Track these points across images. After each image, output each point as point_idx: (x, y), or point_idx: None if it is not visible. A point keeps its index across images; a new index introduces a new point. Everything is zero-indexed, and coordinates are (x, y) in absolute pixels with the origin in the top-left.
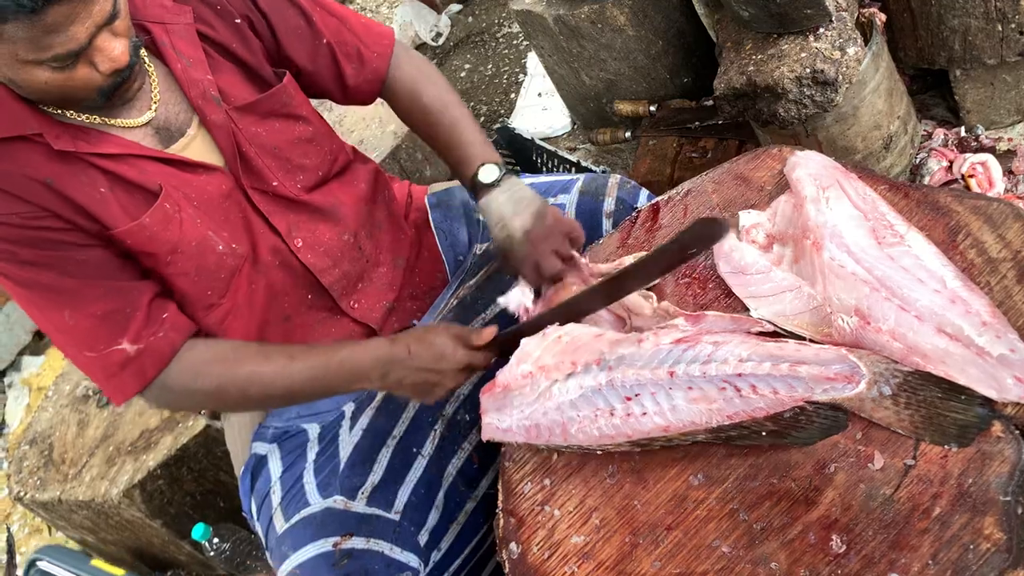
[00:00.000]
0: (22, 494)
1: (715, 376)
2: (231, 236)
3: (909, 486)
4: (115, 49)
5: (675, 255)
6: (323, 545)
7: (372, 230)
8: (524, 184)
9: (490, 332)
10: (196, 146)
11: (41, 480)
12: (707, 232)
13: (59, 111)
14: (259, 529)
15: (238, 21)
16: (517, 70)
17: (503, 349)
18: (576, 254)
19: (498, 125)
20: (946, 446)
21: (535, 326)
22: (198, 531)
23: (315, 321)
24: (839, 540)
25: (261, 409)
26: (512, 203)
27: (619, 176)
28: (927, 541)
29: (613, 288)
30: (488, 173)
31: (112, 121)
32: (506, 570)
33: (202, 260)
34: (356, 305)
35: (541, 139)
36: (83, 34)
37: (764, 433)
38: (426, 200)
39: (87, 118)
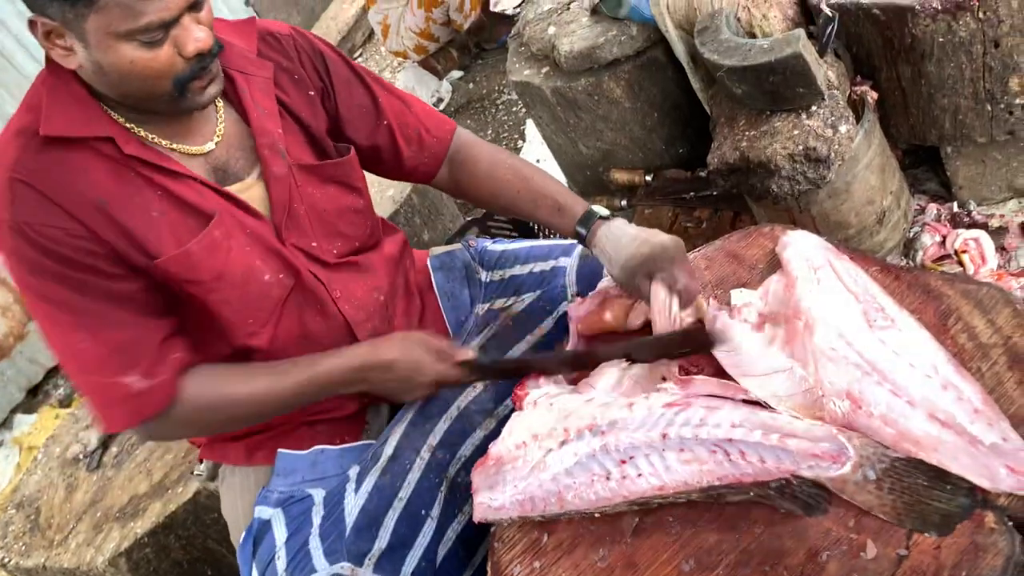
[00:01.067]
0: (6, 560)
1: (707, 439)
2: (279, 268)
3: None
4: (200, 32)
5: (674, 345)
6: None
7: (396, 294)
8: None
9: (468, 352)
10: (250, 194)
11: (26, 545)
12: (702, 339)
13: (129, 125)
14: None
15: (312, 93)
16: (516, 136)
17: (481, 374)
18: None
19: None
20: (927, 534)
21: (515, 366)
22: None
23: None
24: None
25: (252, 423)
26: (637, 227)
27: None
28: None
29: (594, 358)
30: (601, 210)
31: (174, 146)
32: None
33: (246, 288)
34: None
35: None
36: (175, 5)
37: (752, 493)
38: (428, 263)
39: (152, 138)
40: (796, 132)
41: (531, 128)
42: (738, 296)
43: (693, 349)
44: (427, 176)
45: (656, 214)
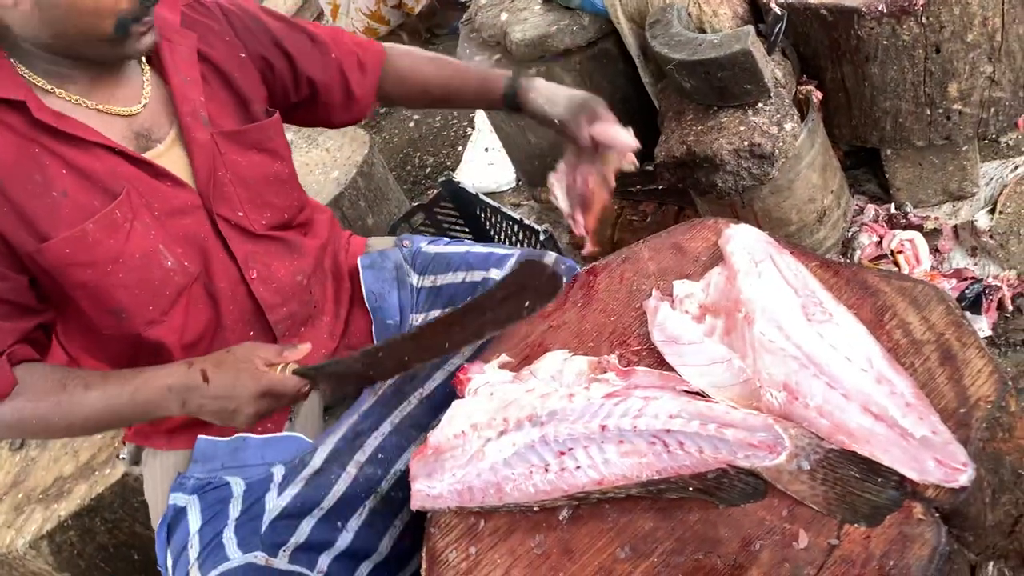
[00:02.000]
0: None
1: (644, 431)
2: (184, 253)
3: (832, 567)
4: None
5: (506, 302)
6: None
7: (323, 277)
8: None
9: (304, 350)
10: (169, 158)
11: None
12: (534, 277)
13: (50, 86)
14: None
15: (243, 55)
16: (465, 124)
17: (323, 380)
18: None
19: (442, 178)
20: (857, 525)
21: (356, 367)
22: None
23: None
24: None
25: (70, 436)
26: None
27: (555, 255)
28: None
29: (437, 341)
30: (524, 73)
31: (100, 106)
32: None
33: (146, 273)
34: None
35: (485, 194)
36: None
37: (691, 488)
38: (359, 261)
39: (76, 99)
40: (742, 128)
41: (481, 116)
42: (680, 287)
43: (536, 293)
44: (368, 105)
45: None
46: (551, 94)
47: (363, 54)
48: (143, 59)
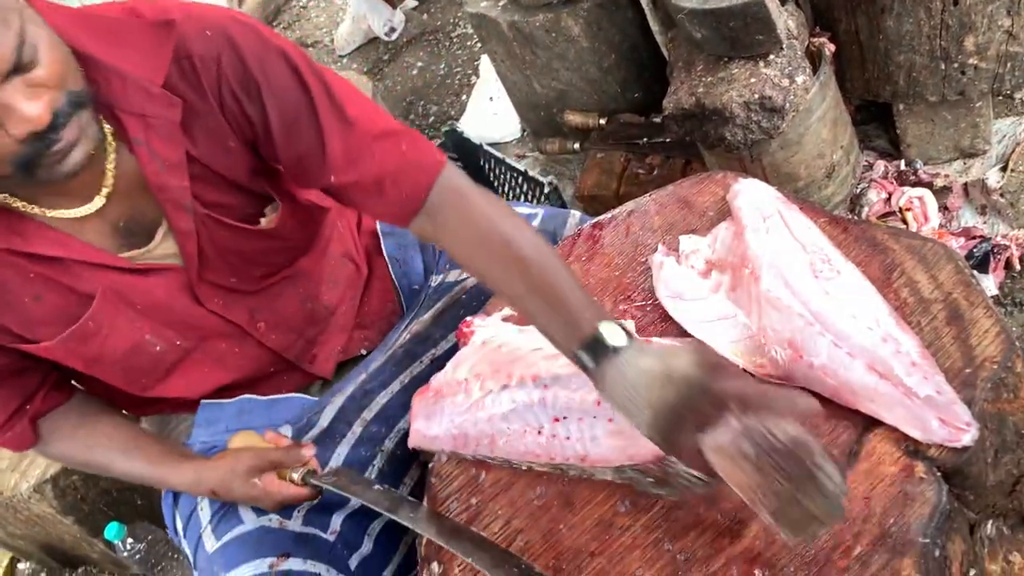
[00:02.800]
0: None
1: None
2: (176, 334)
3: None
4: (27, 107)
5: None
6: (259, 566)
7: (331, 277)
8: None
9: (307, 455)
10: (161, 250)
11: None
12: None
13: None
14: (186, 548)
15: (232, 144)
16: (470, 72)
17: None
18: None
19: (446, 127)
20: (781, 528)
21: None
22: (111, 530)
23: (265, 378)
24: (761, 575)
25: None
26: (652, 359)
27: (579, 214)
28: None
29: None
30: (615, 334)
31: (50, 213)
32: None
33: (132, 362)
34: (313, 361)
35: (489, 144)
36: None
37: (651, 480)
38: (378, 227)
39: (23, 206)
40: (753, 80)
41: (485, 64)
42: (686, 242)
43: None
44: (393, 223)
45: (608, 159)
46: (630, 395)
47: (392, 185)
48: (109, 137)
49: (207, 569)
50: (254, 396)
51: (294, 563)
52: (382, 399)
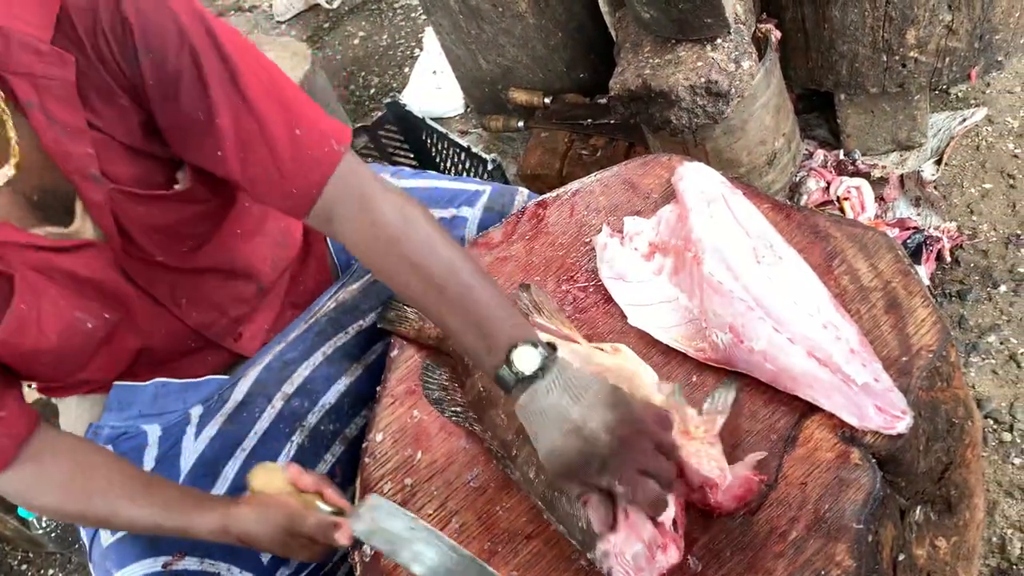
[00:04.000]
0: None
1: None
2: (103, 307)
3: (768, 508)
4: None
5: None
6: (151, 565)
7: (260, 253)
8: (567, 359)
9: (343, 537)
10: (82, 227)
11: None
12: None
13: None
14: (84, 537)
15: (123, 103)
16: (413, 44)
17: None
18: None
19: (388, 100)
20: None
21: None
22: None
23: (185, 355)
24: (695, 560)
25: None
26: (570, 394)
27: (527, 191)
28: (781, 565)
29: None
30: (526, 359)
31: None
32: (357, 574)
33: (65, 348)
34: (238, 340)
35: (432, 119)
36: None
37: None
38: None
39: None
40: (700, 64)
41: (430, 36)
42: (631, 224)
43: None
44: (288, 215)
45: (552, 138)
46: (539, 427)
47: (280, 178)
48: (0, 105)
49: (100, 563)
50: (169, 380)
51: (190, 562)
52: (304, 371)
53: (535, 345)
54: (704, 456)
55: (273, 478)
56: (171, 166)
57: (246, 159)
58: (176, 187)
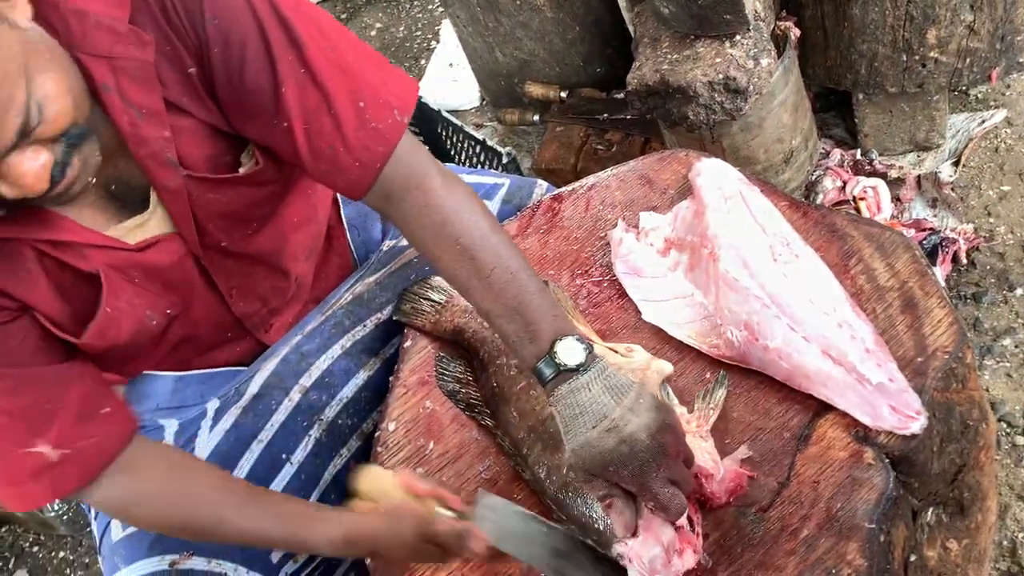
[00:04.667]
0: None
1: None
2: (168, 302)
3: (780, 506)
4: (29, 173)
5: None
6: (158, 563)
7: (306, 248)
8: (610, 362)
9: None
10: (155, 220)
11: None
12: None
13: None
14: (95, 529)
15: (191, 71)
16: (430, 36)
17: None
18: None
19: None
20: None
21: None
22: None
23: (220, 345)
24: (706, 556)
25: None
26: (610, 393)
27: (546, 184)
28: (792, 562)
29: None
30: (571, 352)
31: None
32: (371, 572)
33: (130, 346)
34: (268, 331)
35: (448, 111)
36: None
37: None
38: (338, 193)
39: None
40: (718, 60)
41: (447, 29)
42: (647, 219)
43: None
44: (345, 194)
45: (567, 133)
46: (572, 420)
47: (344, 151)
48: None
49: (108, 558)
50: (187, 373)
51: (198, 562)
52: (323, 363)
53: (580, 340)
54: (698, 450)
55: (380, 482)
56: (238, 146)
57: (310, 131)
58: (241, 170)
